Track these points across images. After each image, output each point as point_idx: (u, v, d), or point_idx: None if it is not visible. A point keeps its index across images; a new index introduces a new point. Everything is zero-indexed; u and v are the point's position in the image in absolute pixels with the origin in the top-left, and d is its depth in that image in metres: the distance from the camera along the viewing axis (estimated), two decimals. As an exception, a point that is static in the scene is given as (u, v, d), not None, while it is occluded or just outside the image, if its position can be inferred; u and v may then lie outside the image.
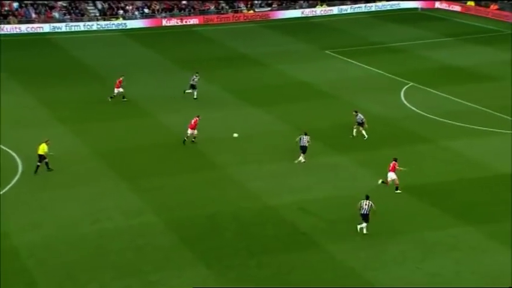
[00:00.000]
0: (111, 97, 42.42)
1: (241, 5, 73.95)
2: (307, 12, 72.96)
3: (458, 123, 37.69)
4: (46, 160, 31.48)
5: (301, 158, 32.53)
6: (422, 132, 36.64)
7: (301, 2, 74.85)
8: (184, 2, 73.08)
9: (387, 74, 48.84)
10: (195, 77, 43.14)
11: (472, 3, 71.58)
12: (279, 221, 27.23)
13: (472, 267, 23.65)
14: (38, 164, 31.39)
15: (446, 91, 43.75)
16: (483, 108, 40.23)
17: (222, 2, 74.04)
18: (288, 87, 46.48)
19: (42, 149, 31.38)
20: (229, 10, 72.98)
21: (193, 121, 35.06)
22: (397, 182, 29.36)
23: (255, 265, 23.99)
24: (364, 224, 25.87)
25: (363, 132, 35.22)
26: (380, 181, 29.68)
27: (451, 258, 24.20)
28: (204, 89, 45.92)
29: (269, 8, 73.73)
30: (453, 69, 50.11)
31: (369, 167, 32.28)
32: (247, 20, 70.64)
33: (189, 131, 35.01)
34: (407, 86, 45.47)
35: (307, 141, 32.57)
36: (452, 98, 42.60)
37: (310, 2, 74.85)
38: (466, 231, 26.02)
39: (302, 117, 39.72)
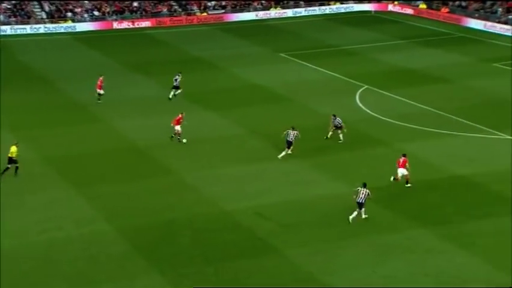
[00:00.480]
0: (98, 99, 42.60)
1: (195, 7, 73.73)
2: (262, 14, 73.29)
3: (412, 126, 38.39)
4: (17, 165, 31.11)
5: (286, 151, 33.36)
6: (377, 135, 37.19)
7: (256, 4, 75.12)
8: (135, 4, 72.38)
9: (342, 77, 49.41)
10: (177, 77, 43.42)
11: (424, 6, 73.16)
12: (235, 226, 27.18)
13: (426, 269, 24.08)
14: (8, 166, 31.07)
15: (399, 93, 44.54)
16: (435, 110, 41.10)
17: (174, 4, 73.66)
18: (243, 90, 46.55)
19: (14, 151, 31.12)
20: (182, 12, 72.67)
21: (177, 117, 35.53)
22: (408, 176, 30.04)
23: (211, 272, 23.87)
24: (355, 213, 26.68)
25: (341, 135, 35.48)
26: (391, 178, 30.18)
27: (406, 260, 24.60)
28: (157, 93, 45.61)
29: (223, 11, 73.74)
30: (406, 71, 51.07)
31: (325, 170, 32.57)
32: (201, 23, 70.49)
33: (177, 127, 35.44)
34: (362, 88, 46.10)
35: (294, 136, 33.32)
36: (406, 100, 43.40)
37: (265, 4, 75.21)
38: (421, 233, 26.49)
39: (258, 120, 39.81)
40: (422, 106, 41.99)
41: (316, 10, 75.14)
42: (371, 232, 26.56)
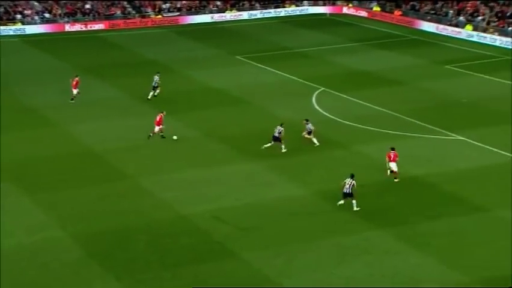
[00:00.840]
0: (72, 99, 42.65)
1: (149, 9, 73.14)
2: (217, 17, 73.25)
3: (368, 127, 38.90)
4: None
5: (271, 144, 34.59)
6: (334, 137, 37.55)
7: (211, 7, 75.02)
8: (87, 6, 71.37)
9: (298, 79, 49.73)
10: (156, 77, 43.71)
11: (378, 9, 74.31)
12: (193, 230, 27.05)
13: (383, 270, 24.41)
14: None
15: (355, 96, 45.09)
16: (391, 112, 41.75)
17: (128, 6, 72.93)
18: (199, 93, 46.39)
19: None
20: (136, 15, 72.01)
21: (158, 117, 35.79)
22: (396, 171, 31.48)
23: (169, 277, 23.70)
24: (341, 201, 28.38)
25: (314, 140, 35.69)
26: (388, 172, 31.47)
27: (364, 261, 24.89)
28: (111, 95, 45.08)
29: (178, 13, 73.37)
30: (361, 73, 51.76)
31: (284, 173, 32.71)
32: (155, 25, 70.01)
33: (156, 128, 35.77)
34: (318, 91, 46.50)
35: (279, 133, 34.52)
36: (362, 102, 43.96)
37: (220, 6, 75.19)
38: (377, 234, 26.84)
39: (214, 124, 39.74)
40: (377, 108, 42.60)
41: (272, 12, 75.48)
42: (330, 234, 26.79)
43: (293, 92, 46.64)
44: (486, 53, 57.06)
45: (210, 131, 38.35)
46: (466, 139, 36.84)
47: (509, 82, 47.74)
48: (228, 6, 75.41)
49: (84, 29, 67.45)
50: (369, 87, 47.69)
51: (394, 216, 28.37)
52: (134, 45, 61.02)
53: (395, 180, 31.37)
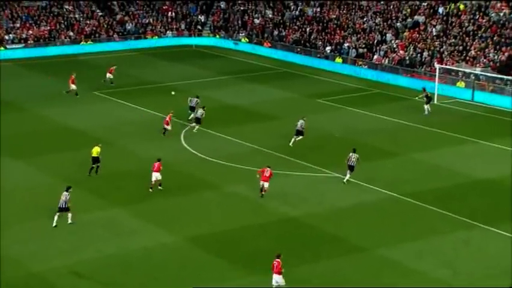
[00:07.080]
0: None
1: (-12, 41, 70.14)
2: (70, 49, 71.73)
3: (240, 166, 39.32)
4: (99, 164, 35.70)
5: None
6: (205, 177, 37.56)
7: (63, 38, 73.28)
8: None
9: (164, 116, 49.38)
10: (195, 100, 47.54)
11: (246, 40, 76.15)
12: (48, 289, 25.77)
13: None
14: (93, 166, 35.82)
15: (226, 132, 45.53)
16: (263, 149, 42.52)
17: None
18: (54, 134, 44.96)
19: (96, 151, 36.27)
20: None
21: (156, 164, 34.48)
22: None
23: None
24: (348, 175, 35.32)
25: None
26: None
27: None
28: None
29: (23, 45, 70.86)
30: (232, 108, 52.50)
31: (149, 219, 32.20)
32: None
33: (155, 175, 34.49)
34: (187, 128, 46.49)
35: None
36: (233, 139, 44.45)
37: (73, 37, 73.69)
38: (257, 280, 26.86)
39: (70, 167, 38.46)
40: (250, 145, 43.24)
41: (132, 44, 75.07)
42: (204, 284, 26.49)
43: (160, 130, 46.29)
44: (356, 86, 60.04)
45: (66, 175, 37.03)
46: (341, 176, 38.21)
47: (380, 116, 50.39)
48: (83, 37, 74.00)
49: None
50: (240, 123, 48.42)
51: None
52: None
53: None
